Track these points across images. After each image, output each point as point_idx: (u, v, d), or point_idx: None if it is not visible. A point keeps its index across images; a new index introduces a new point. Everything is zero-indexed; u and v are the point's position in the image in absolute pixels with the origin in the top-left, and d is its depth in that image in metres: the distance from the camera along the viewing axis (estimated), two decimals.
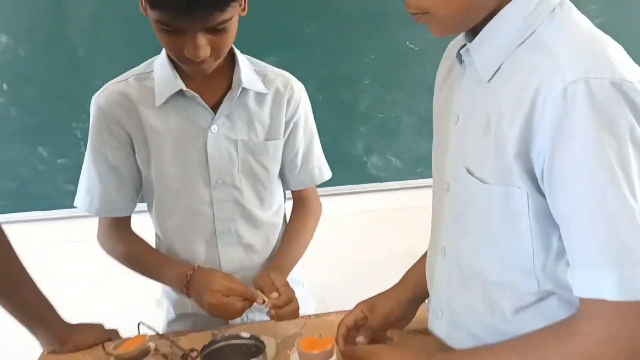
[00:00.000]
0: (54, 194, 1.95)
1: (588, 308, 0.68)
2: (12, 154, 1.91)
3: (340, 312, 1.12)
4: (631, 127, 0.63)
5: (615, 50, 0.68)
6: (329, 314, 1.13)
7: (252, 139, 1.13)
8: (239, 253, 1.18)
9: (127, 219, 1.19)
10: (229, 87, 1.09)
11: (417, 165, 2.12)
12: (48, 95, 1.89)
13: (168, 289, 1.21)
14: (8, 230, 1.00)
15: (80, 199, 1.15)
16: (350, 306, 0.98)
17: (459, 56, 0.80)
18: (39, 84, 1.89)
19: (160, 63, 1.09)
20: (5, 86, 1.86)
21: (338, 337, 0.95)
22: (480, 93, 0.76)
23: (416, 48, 2.01)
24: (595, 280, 0.65)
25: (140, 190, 1.17)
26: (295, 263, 1.20)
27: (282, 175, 1.23)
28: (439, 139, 0.88)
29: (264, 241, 1.21)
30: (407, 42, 2.01)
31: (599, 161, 0.63)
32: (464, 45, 0.79)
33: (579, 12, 0.74)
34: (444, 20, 0.74)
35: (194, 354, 0.95)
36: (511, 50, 0.72)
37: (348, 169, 2.09)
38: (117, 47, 1.88)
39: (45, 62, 1.88)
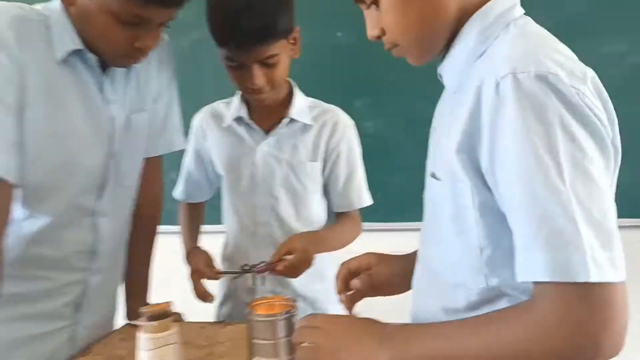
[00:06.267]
0: None
1: (537, 292, 0.65)
2: None
3: None
4: (560, 115, 0.63)
5: (552, 49, 0.69)
6: None
7: (294, 159, 1.35)
8: (270, 253, 1.29)
9: (201, 204, 1.51)
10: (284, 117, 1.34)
11: None
12: None
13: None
14: None
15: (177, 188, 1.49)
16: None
17: (440, 76, 0.84)
18: None
19: (237, 96, 1.39)
20: None
21: (338, 277, 0.99)
22: (449, 104, 0.82)
23: None
24: (530, 263, 0.64)
25: (216, 186, 1.46)
26: (323, 244, 1.33)
27: (326, 197, 1.42)
28: None
29: None
30: None
31: (526, 149, 0.63)
32: None
33: (534, 24, 0.76)
34: (412, 49, 0.81)
35: None
36: (470, 64, 0.76)
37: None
38: None
39: None
